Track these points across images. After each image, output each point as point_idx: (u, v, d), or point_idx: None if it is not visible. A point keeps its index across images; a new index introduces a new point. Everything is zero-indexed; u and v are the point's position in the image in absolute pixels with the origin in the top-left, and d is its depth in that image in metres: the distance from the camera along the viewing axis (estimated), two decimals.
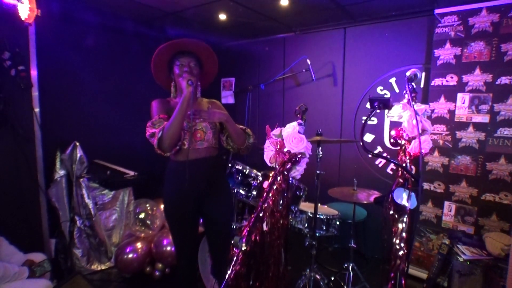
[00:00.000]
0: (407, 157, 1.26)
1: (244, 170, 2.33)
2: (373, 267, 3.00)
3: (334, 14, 2.98)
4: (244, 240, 1.08)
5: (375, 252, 3.18)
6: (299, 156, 1.31)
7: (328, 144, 3.24)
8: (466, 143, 2.51)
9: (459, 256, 2.20)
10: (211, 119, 1.71)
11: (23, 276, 1.82)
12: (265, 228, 1.19)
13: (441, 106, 2.60)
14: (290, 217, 2.36)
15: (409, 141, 1.30)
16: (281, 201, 1.26)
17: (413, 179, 1.13)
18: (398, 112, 1.33)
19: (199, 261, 2.22)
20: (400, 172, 1.19)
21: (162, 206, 2.89)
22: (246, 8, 2.80)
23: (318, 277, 2.29)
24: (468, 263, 2.15)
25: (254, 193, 2.30)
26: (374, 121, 3.13)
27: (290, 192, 2.29)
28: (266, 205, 1.19)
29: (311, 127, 2.26)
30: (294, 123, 1.30)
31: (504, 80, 2.34)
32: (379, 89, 3.10)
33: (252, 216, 1.17)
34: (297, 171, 1.35)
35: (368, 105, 1.34)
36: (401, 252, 1.00)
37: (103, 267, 2.85)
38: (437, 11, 2.57)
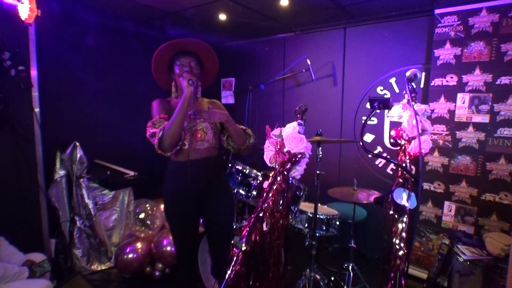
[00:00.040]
0: (407, 157, 1.26)
1: (244, 170, 2.33)
2: (373, 267, 3.00)
3: (334, 14, 2.98)
4: (244, 240, 1.08)
5: (375, 252, 3.18)
6: (299, 156, 1.31)
7: (328, 144, 3.24)
8: (466, 143, 2.51)
9: (459, 256, 2.20)
10: (212, 119, 1.71)
11: (23, 276, 1.82)
12: (265, 228, 1.19)
13: (441, 106, 2.60)
14: (290, 217, 2.36)
15: (409, 141, 1.30)
16: (281, 201, 1.26)
17: (413, 179, 1.14)
18: (398, 112, 1.33)
19: (199, 261, 2.22)
20: (400, 172, 1.19)
21: (162, 206, 2.90)
22: (246, 8, 2.81)
23: (318, 277, 2.29)
24: (468, 263, 2.15)
25: (254, 193, 2.30)
26: (374, 121, 3.13)
27: (290, 192, 2.29)
28: (266, 205, 1.19)
29: (311, 127, 2.26)
30: (294, 123, 1.31)
31: (504, 80, 2.34)
32: (379, 89, 3.10)
33: (252, 216, 1.17)
34: (297, 171, 1.35)
35: (368, 105, 1.34)
36: (401, 252, 1.00)
37: (103, 267, 2.85)
38: (437, 11, 2.57)
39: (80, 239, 2.74)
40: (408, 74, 1.29)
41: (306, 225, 2.36)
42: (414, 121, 1.23)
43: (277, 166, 1.29)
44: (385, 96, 3.05)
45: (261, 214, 1.17)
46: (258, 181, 2.31)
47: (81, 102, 3.08)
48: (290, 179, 1.37)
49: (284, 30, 3.54)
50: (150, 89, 2.44)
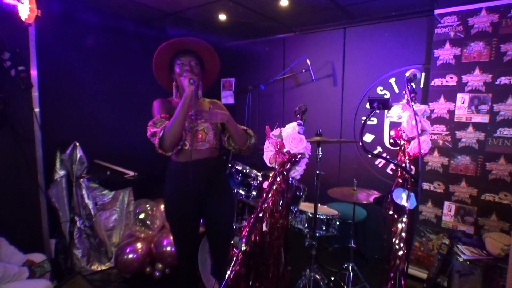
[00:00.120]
0: (407, 157, 1.26)
1: (244, 170, 2.33)
2: (373, 267, 3.00)
3: (334, 14, 2.98)
4: (243, 240, 1.08)
5: (375, 252, 3.18)
6: (298, 157, 1.31)
7: (328, 144, 3.24)
8: (465, 143, 2.51)
9: (459, 256, 2.20)
10: (213, 119, 1.70)
11: (23, 276, 1.82)
12: (264, 228, 1.19)
13: (440, 106, 2.60)
14: (290, 217, 2.36)
15: (409, 141, 1.30)
16: (280, 202, 1.26)
17: (412, 179, 1.14)
18: (397, 113, 1.33)
19: (199, 261, 2.22)
20: (399, 172, 1.19)
21: (162, 206, 2.90)
22: (246, 8, 2.81)
23: (318, 277, 2.29)
24: (468, 263, 2.15)
25: (254, 193, 2.30)
26: (373, 121, 3.13)
27: (290, 192, 2.29)
28: (265, 205, 1.19)
29: (311, 127, 2.27)
30: (294, 124, 1.31)
31: (504, 80, 2.34)
32: (378, 89, 3.10)
33: (252, 216, 1.17)
34: (297, 172, 1.35)
35: (367, 105, 1.34)
36: (400, 252, 1.00)
37: (103, 268, 2.86)
38: (436, 11, 2.57)
39: (80, 239, 2.74)
40: (407, 74, 1.30)
41: (306, 225, 2.36)
42: (413, 121, 1.23)
43: (276, 167, 1.29)
44: (385, 96, 3.05)
45: (261, 214, 1.17)
46: (258, 181, 2.31)
47: (81, 102, 3.08)
48: (290, 179, 1.38)
49: (284, 30, 3.54)
50: (150, 89, 2.45)
